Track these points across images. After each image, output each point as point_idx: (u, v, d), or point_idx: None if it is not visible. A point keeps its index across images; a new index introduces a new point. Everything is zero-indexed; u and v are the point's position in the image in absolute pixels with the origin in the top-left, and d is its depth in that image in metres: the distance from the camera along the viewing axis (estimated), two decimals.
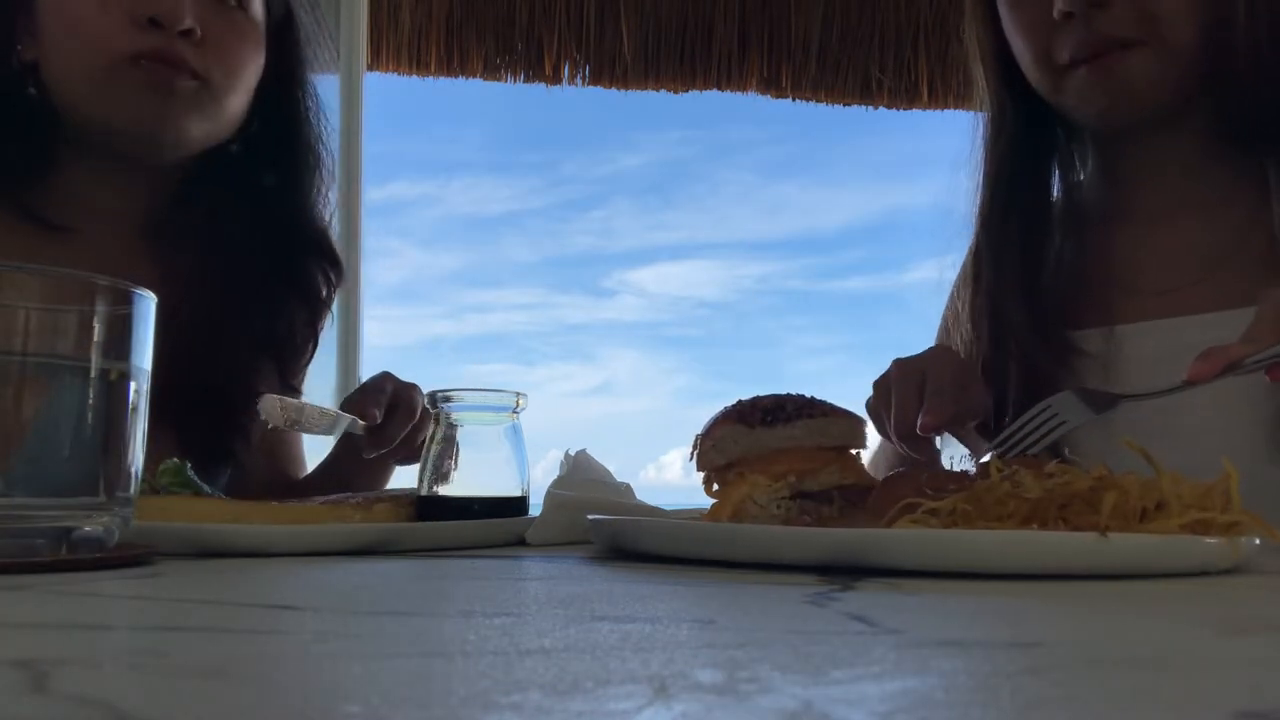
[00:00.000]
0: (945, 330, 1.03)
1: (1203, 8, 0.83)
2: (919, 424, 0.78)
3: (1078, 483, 0.48)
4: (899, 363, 0.83)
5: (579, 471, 0.77)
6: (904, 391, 0.80)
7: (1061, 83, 0.87)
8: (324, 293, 1.00)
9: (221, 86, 0.88)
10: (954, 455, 0.86)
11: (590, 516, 0.60)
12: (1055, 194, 0.97)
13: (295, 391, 0.99)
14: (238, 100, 0.90)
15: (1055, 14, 0.83)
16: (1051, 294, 0.91)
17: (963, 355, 0.94)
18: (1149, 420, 0.76)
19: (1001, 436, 0.75)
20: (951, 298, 1.02)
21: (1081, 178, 0.97)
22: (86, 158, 0.89)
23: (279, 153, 0.96)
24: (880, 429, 0.86)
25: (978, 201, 0.96)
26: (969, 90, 1.00)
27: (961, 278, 1.01)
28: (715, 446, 0.61)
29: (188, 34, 0.84)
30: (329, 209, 1.02)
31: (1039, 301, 0.90)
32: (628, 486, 0.78)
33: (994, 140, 0.95)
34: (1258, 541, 0.47)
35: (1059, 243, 0.94)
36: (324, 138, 1.00)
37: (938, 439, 0.82)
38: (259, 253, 0.95)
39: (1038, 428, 0.73)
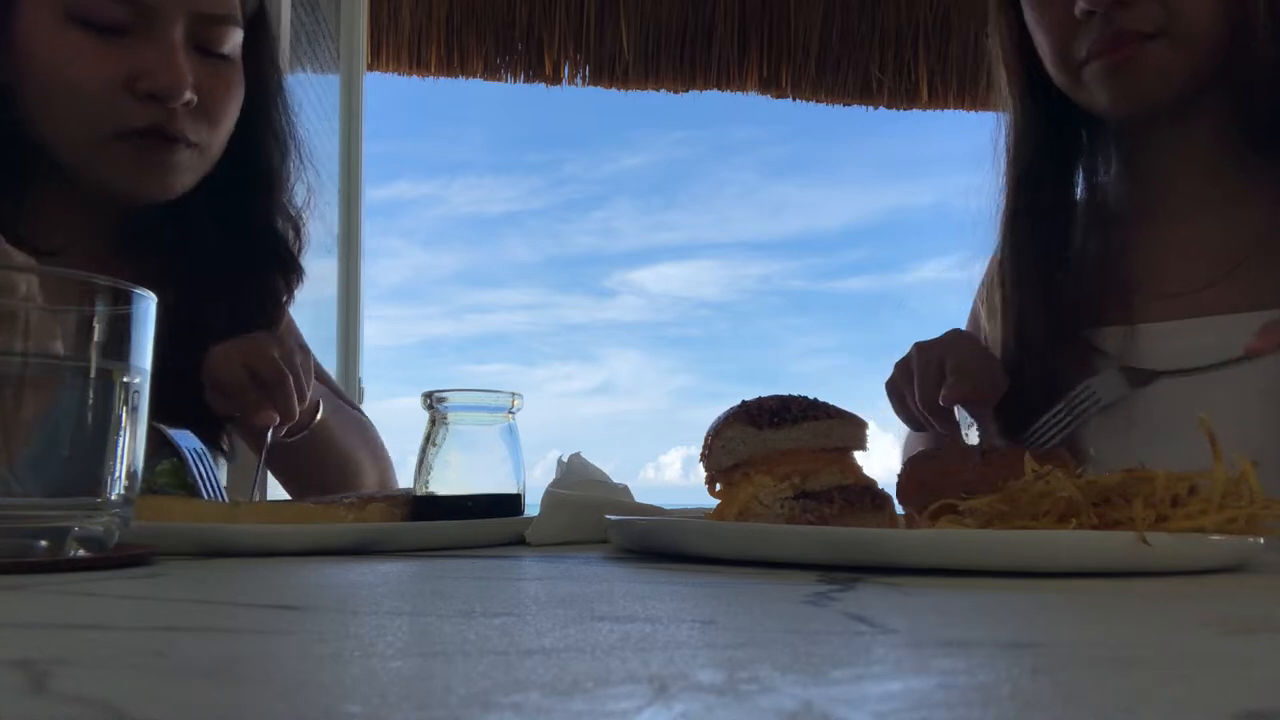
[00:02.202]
0: (974, 327, 1.03)
1: (1224, 1, 0.83)
2: (942, 396, 0.84)
3: (1107, 479, 0.49)
4: (919, 345, 0.89)
5: (574, 475, 0.77)
6: (926, 370, 0.86)
7: (1079, 77, 0.87)
8: (283, 297, 0.99)
9: (212, 145, 0.88)
10: (968, 427, 0.90)
11: (609, 517, 0.60)
12: (1079, 195, 0.97)
13: None
14: (221, 145, 0.90)
15: (1077, 12, 0.84)
16: (1073, 295, 0.91)
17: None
18: (1169, 406, 0.77)
19: (1040, 423, 0.80)
20: (977, 298, 1.03)
21: (1106, 178, 0.97)
22: (63, 183, 0.86)
23: (238, 171, 0.94)
24: (899, 405, 0.91)
25: (1000, 204, 0.97)
26: (969, 90, 1.00)
27: (986, 278, 1.01)
28: (725, 447, 0.61)
29: (186, 104, 0.84)
30: (310, 209, 1.01)
31: (1059, 303, 0.91)
32: (625, 488, 0.78)
33: (1017, 143, 0.95)
34: (1262, 541, 0.48)
35: (1081, 243, 0.94)
36: (294, 145, 0.99)
37: (957, 410, 0.86)
38: (219, 259, 0.94)
39: (1074, 408, 0.77)
